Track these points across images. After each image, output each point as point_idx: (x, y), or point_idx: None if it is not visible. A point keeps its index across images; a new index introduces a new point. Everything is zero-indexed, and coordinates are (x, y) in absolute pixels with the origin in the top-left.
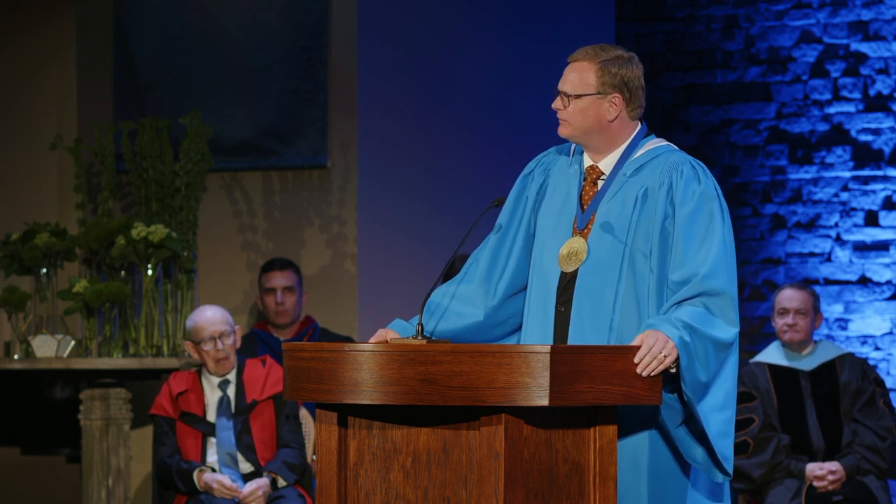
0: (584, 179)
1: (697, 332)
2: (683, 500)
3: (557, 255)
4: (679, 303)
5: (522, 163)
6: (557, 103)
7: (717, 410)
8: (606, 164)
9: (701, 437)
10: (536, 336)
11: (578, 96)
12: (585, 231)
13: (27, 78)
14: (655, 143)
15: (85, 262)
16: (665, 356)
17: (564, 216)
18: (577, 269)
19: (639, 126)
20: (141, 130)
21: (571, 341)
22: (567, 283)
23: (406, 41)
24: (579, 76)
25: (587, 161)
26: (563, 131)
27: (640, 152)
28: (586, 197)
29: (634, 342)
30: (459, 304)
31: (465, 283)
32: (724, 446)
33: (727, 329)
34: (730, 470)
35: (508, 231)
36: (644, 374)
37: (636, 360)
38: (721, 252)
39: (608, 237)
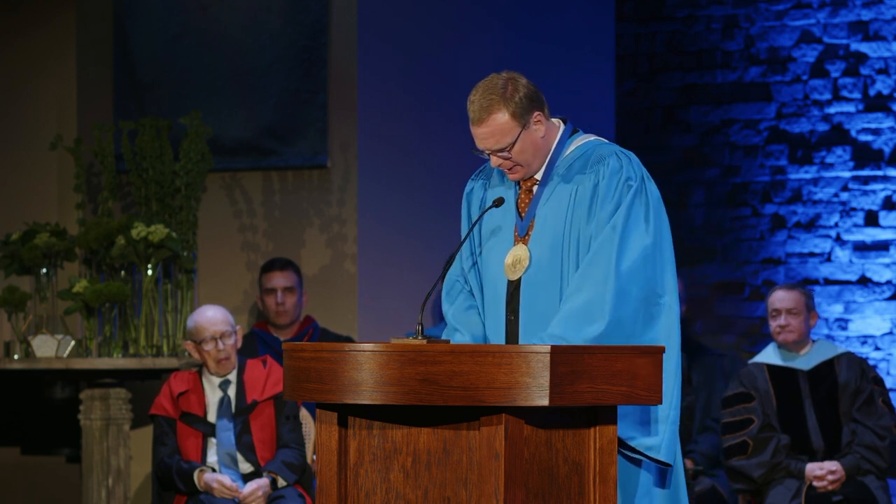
0: (520, 187)
1: (569, 342)
2: (640, 484)
3: (503, 264)
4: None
5: None
6: (498, 161)
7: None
8: (538, 171)
9: None
10: None
11: (512, 144)
12: (526, 238)
13: (27, 78)
14: (583, 139)
15: (85, 262)
16: None
17: (505, 225)
18: (521, 277)
19: (562, 126)
20: (141, 130)
21: None
22: (514, 292)
23: (406, 41)
24: (499, 128)
25: None
26: (514, 177)
27: (568, 151)
28: (523, 204)
29: None
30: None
31: (456, 307)
32: (655, 433)
33: (593, 328)
34: (664, 458)
35: (472, 254)
36: None
37: None
38: (622, 245)
39: (547, 242)
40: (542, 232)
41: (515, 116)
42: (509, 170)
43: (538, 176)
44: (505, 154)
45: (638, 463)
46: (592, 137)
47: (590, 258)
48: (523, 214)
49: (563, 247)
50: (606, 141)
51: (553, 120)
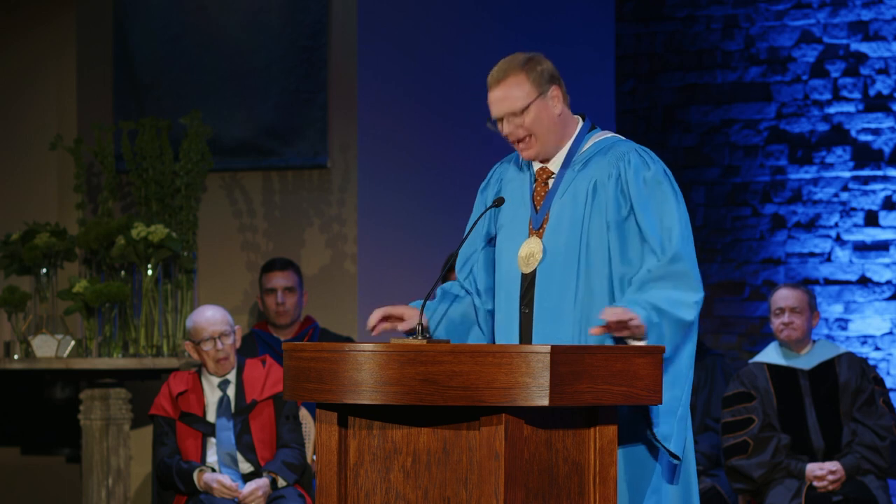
0: (536, 180)
1: (665, 313)
2: (651, 482)
3: (517, 257)
4: (645, 283)
5: None
6: (508, 127)
7: (667, 388)
8: (555, 164)
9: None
10: (503, 340)
11: (526, 107)
12: (541, 231)
13: (27, 78)
14: (601, 135)
15: (85, 262)
16: (630, 319)
17: (520, 218)
18: (536, 270)
19: (581, 122)
20: (141, 130)
21: (536, 342)
22: (528, 285)
23: (406, 41)
24: (515, 90)
25: (537, 164)
26: (528, 154)
27: (586, 146)
28: (538, 197)
29: (602, 315)
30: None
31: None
32: (666, 423)
33: (690, 310)
34: (672, 449)
35: (488, 245)
36: (609, 319)
37: (601, 316)
38: (682, 233)
39: (562, 235)
40: (557, 225)
41: (533, 82)
42: (521, 141)
43: (554, 169)
44: (518, 120)
45: (649, 457)
46: (609, 134)
47: (669, 259)
48: (538, 207)
49: (579, 240)
50: (623, 138)
51: (574, 115)
